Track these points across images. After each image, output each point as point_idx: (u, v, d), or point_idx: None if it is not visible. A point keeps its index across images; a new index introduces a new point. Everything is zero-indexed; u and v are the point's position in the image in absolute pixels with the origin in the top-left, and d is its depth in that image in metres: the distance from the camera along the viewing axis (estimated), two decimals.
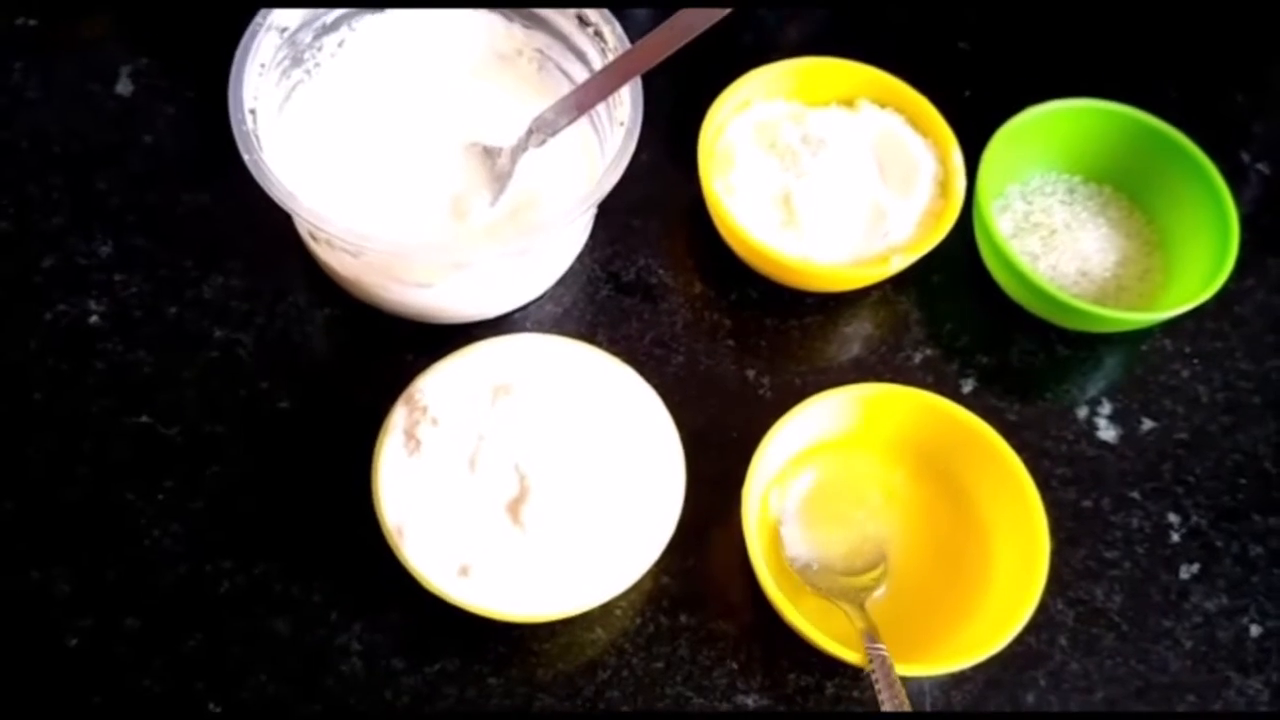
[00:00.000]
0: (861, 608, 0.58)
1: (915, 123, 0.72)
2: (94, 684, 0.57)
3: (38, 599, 0.58)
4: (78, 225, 0.69)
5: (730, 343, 0.69)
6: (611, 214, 0.70)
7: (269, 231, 0.68)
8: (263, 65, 0.62)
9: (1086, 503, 0.66)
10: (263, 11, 0.62)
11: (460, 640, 0.59)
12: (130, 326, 0.66)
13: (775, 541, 0.61)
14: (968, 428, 0.62)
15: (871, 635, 0.56)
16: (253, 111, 0.60)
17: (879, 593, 0.60)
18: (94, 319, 0.66)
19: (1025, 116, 0.71)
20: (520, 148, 0.67)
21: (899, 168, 0.70)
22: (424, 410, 0.58)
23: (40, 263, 0.67)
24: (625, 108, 0.63)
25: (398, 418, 0.58)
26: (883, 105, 0.72)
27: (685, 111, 0.70)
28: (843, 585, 0.60)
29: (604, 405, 0.60)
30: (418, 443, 0.57)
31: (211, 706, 0.56)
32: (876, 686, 0.54)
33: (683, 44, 0.62)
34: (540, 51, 0.71)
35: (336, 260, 0.63)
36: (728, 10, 0.61)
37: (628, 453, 0.59)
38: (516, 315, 0.69)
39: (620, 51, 0.65)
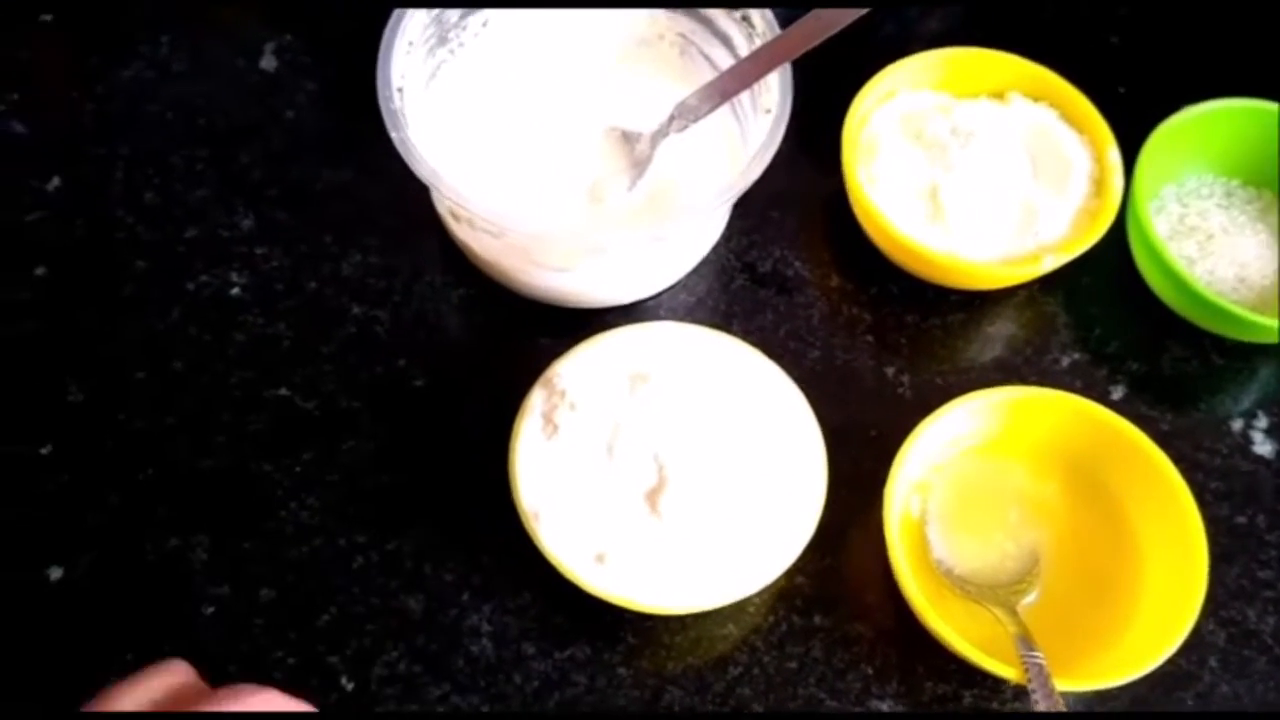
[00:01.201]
0: (1014, 612, 0.56)
1: (1069, 118, 0.69)
2: (229, 653, 0.57)
3: (177, 566, 0.59)
4: (221, 198, 0.69)
5: (869, 338, 0.67)
6: (748, 203, 0.69)
7: (407, 210, 0.68)
8: (410, 43, 0.62)
9: (1240, 519, 0.63)
10: None
11: (591, 628, 0.58)
12: (271, 299, 0.66)
13: (917, 544, 0.60)
14: (1121, 435, 0.60)
15: (1026, 642, 0.54)
16: (400, 89, 0.60)
17: (1030, 599, 0.58)
18: (235, 290, 0.66)
19: (1184, 116, 0.68)
20: (661, 133, 0.66)
21: (1052, 164, 0.68)
22: (562, 395, 0.57)
23: (184, 234, 0.68)
24: (773, 94, 0.62)
25: (535, 401, 0.57)
26: (1035, 99, 0.70)
27: (822, 101, 0.68)
28: (996, 590, 0.58)
29: (744, 397, 0.59)
30: (555, 427, 0.56)
31: (343, 681, 0.56)
32: (1034, 696, 0.52)
33: (837, 30, 0.60)
34: (683, 36, 0.70)
35: (476, 241, 0.63)
36: None
37: (768, 447, 0.57)
38: (650, 303, 0.68)
39: (769, 37, 0.63)
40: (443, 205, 0.64)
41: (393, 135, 0.58)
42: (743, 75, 0.63)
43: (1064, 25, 0.81)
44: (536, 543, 0.55)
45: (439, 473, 0.62)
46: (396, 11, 0.62)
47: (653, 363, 0.59)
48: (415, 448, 0.62)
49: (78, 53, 0.74)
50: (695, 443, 0.57)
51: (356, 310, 0.66)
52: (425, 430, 0.63)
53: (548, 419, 0.57)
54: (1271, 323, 0.63)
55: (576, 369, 0.58)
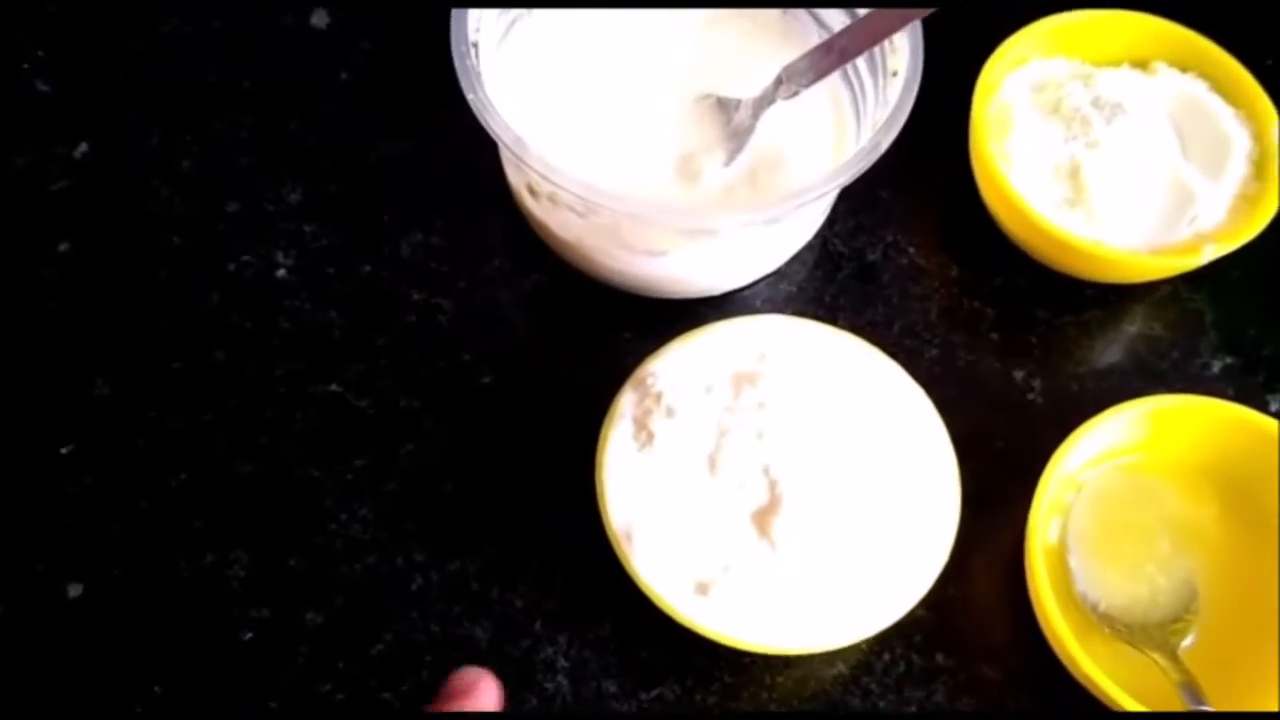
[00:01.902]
0: (1176, 658, 0.49)
1: (1223, 90, 0.61)
2: (269, 685, 0.50)
3: (212, 584, 0.52)
4: (266, 169, 0.62)
5: (994, 336, 0.60)
6: (856, 183, 0.61)
7: (475, 184, 0.61)
8: None
9: None
10: None
11: (682, 665, 0.51)
12: (321, 284, 0.59)
13: (1058, 576, 0.52)
14: None
15: (1194, 693, 0.47)
16: (475, 45, 0.53)
17: (1188, 641, 0.51)
18: (281, 272, 0.59)
19: None
20: (766, 100, 0.58)
21: (1206, 143, 0.60)
22: (657, 398, 0.49)
23: (224, 208, 0.61)
24: (902, 56, 0.54)
25: (626, 405, 0.50)
26: (1184, 69, 0.62)
27: (943, 67, 0.60)
28: (1150, 630, 0.50)
29: (865, 404, 0.51)
30: (650, 435, 0.49)
31: None
32: None
33: None
34: None
35: (557, 220, 0.56)
36: None
37: (893, 462, 0.50)
38: (746, 292, 0.60)
39: None
40: (520, 179, 0.57)
41: (469, 96, 0.51)
42: (867, 33, 0.56)
43: None
44: (627, 567, 0.47)
45: (510, 483, 0.54)
46: None
47: (759, 362, 0.51)
48: (483, 454, 0.55)
49: (109, 5, 0.67)
50: (811, 456, 0.49)
51: (417, 297, 0.59)
52: (494, 434, 0.56)
53: (641, 425, 0.49)
54: None
55: (673, 369, 0.51)
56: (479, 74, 0.52)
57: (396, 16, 0.67)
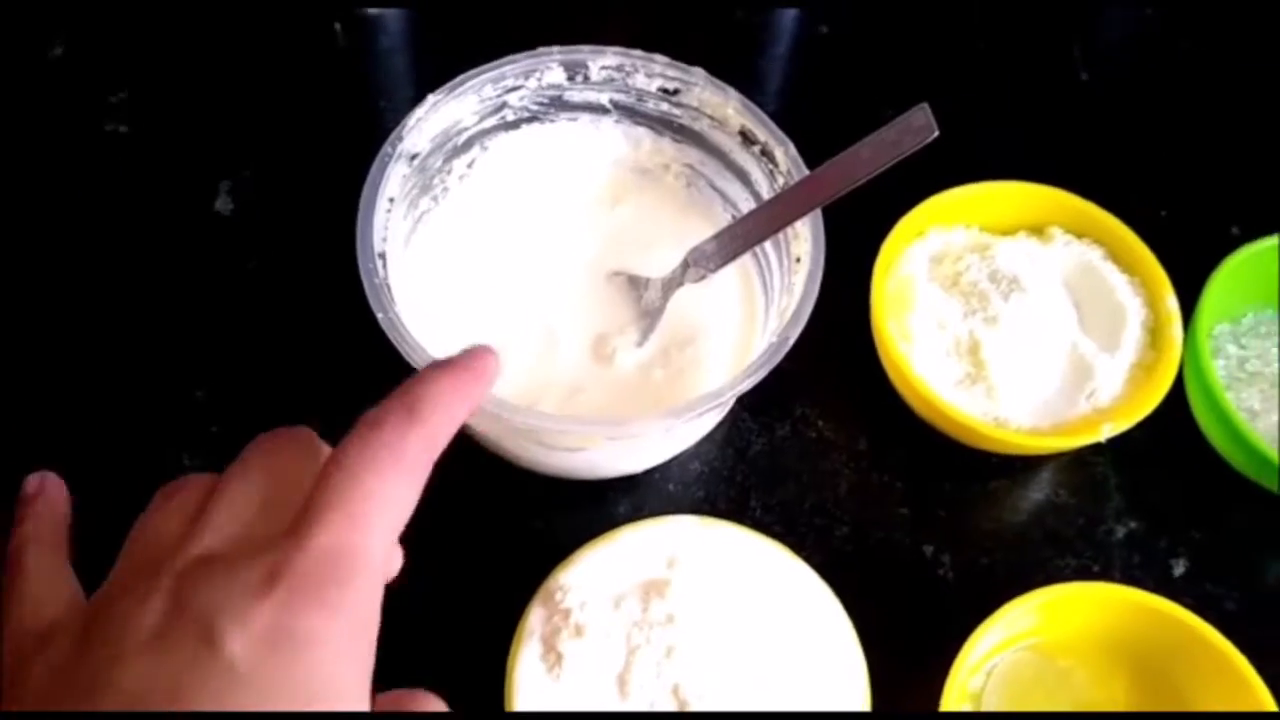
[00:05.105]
0: None
1: (1117, 257, 0.63)
2: None
3: None
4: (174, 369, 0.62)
5: (904, 510, 0.60)
6: None
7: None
8: (391, 200, 0.55)
9: None
10: (391, 139, 0.55)
11: None
12: None
13: None
14: (1187, 630, 0.52)
15: None
16: (382, 255, 0.53)
17: None
18: (187, 459, 0.59)
19: (1251, 251, 0.62)
20: (674, 282, 0.59)
21: (1101, 312, 0.61)
22: (566, 615, 0.49)
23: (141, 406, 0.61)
24: (805, 243, 0.55)
25: (535, 622, 0.50)
26: (1078, 234, 0.63)
27: (846, 239, 0.62)
28: None
29: (772, 607, 0.51)
30: (559, 656, 0.49)
31: None
32: None
33: (882, 170, 0.53)
34: (691, 167, 0.63)
35: (475, 421, 0.56)
36: (935, 133, 0.53)
37: (800, 666, 0.50)
38: (656, 474, 0.60)
39: (795, 176, 0.57)
40: None
41: (378, 316, 0.50)
42: (769, 220, 0.56)
43: (1103, 148, 0.75)
44: None
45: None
46: (375, 167, 0.54)
47: (668, 569, 0.52)
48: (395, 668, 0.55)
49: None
50: (719, 670, 0.49)
51: None
52: (407, 646, 0.55)
53: (550, 646, 0.49)
54: None
55: (581, 580, 0.51)
56: (388, 287, 0.52)
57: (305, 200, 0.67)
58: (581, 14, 0.76)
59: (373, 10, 0.78)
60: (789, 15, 0.81)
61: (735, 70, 0.60)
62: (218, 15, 0.76)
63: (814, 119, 0.61)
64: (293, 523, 0.30)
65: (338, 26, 0.78)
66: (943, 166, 0.65)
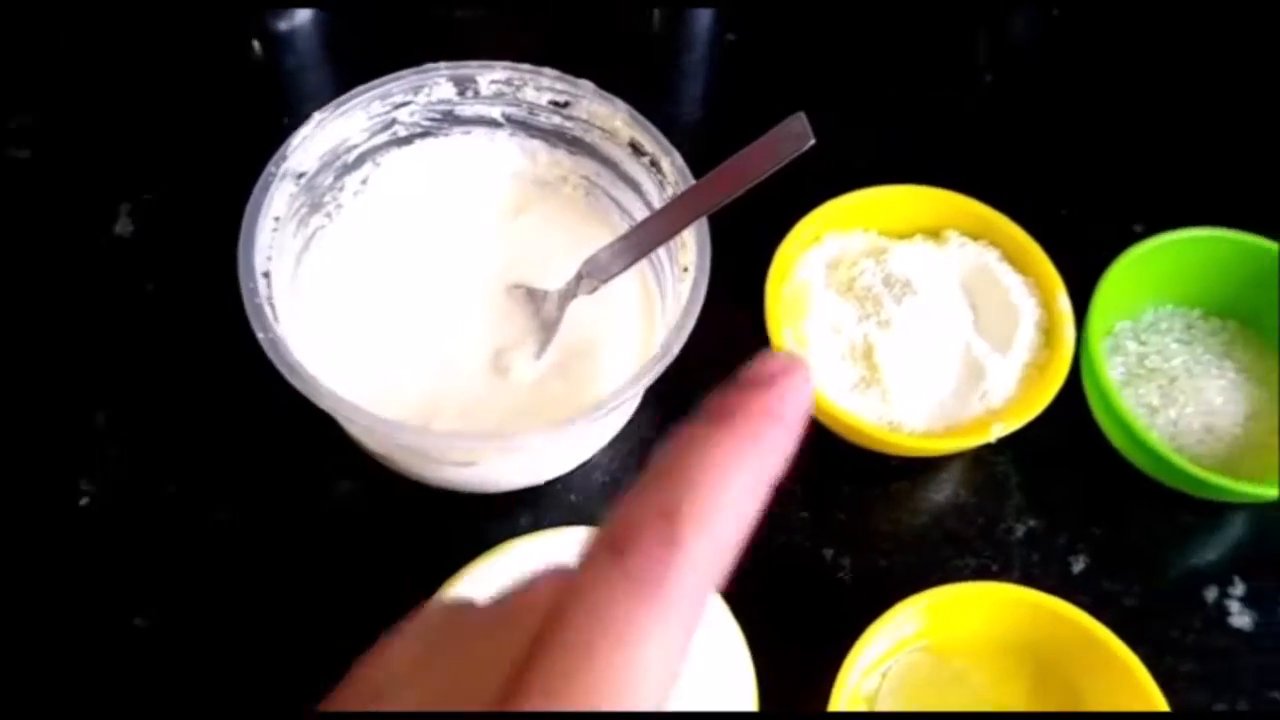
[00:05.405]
0: None
1: (1012, 258, 0.63)
2: None
3: None
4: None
5: (804, 514, 0.61)
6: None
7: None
8: (277, 219, 0.55)
9: (1220, 706, 0.57)
10: (275, 159, 0.55)
11: None
12: (125, 511, 0.58)
13: None
14: (1082, 630, 0.53)
15: None
16: (266, 275, 0.53)
17: None
18: (84, 500, 0.58)
19: (1145, 248, 0.63)
20: (569, 294, 0.59)
21: (996, 313, 0.62)
22: None
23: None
24: (691, 252, 0.55)
25: None
26: (974, 237, 0.64)
27: (746, 246, 0.62)
28: None
29: None
30: None
31: None
32: None
33: (761, 179, 0.54)
34: (588, 179, 0.64)
35: (367, 437, 0.56)
36: (811, 141, 0.53)
37: (690, 675, 0.50)
38: (558, 485, 0.61)
39: (681, 185, 0.57)
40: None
41: (259, 336, 0.50)
42: (656, 231, 0.57)
43: (1001, 150, 0.76)
44: None
45: None
46: (259, 186, 0.54)
47: None
48: (291, 684, 0.55)
49: None
50: None
51: (221, 516, 0.58)
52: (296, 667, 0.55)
53: None
54: (1238, 486, 0.57)
55: (469, 594, 0.50)
56: (272, 306, 0.52)
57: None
58: (486, 29, 0.77)
59: (283, 26, 0.78)
60: (702, 25, 0.81)
61: (648, 81, 0.61)
62: (118, 37, 0.76)
63: (725, 126, 0.61)
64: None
65: (255, 44, 0.78)
66: (845, 171, 0.66)
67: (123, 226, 0.67)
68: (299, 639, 0.55)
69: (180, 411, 0.61)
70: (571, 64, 0.61)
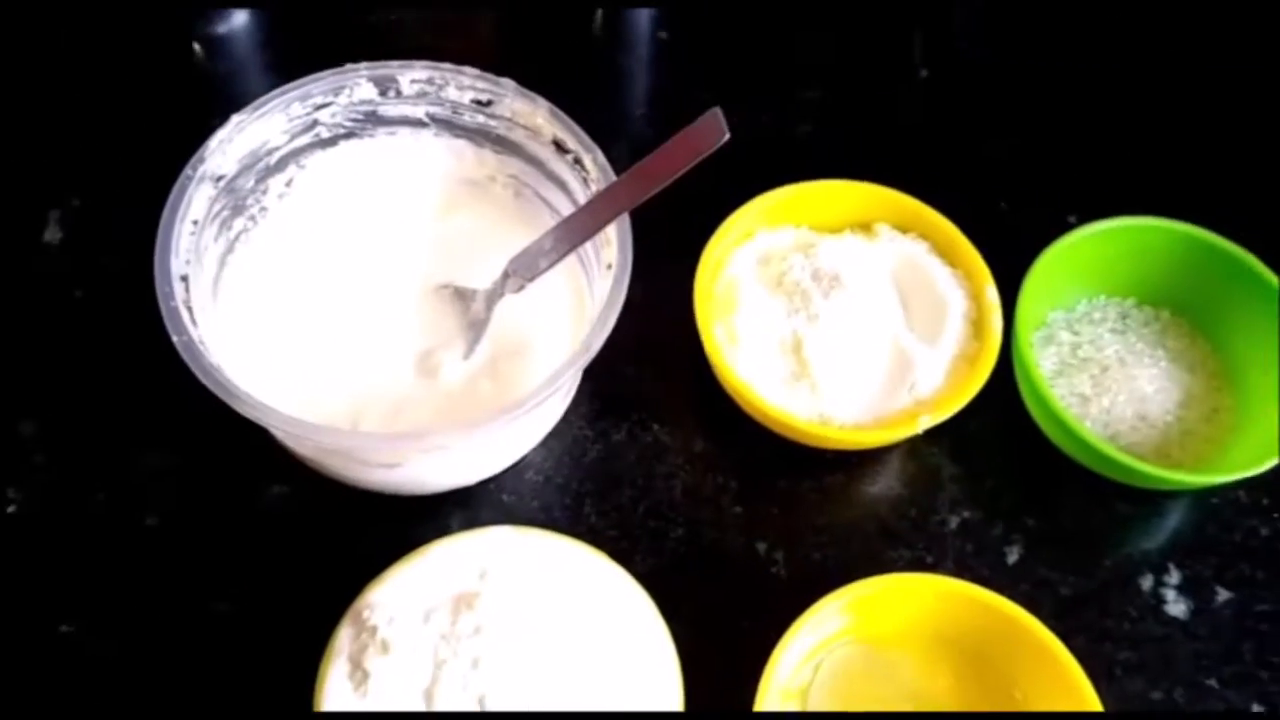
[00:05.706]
0: None
1: (942, 251, 0.63)
2: None
3: None
4: None
5: (738, 509, 0.60)
6: (599, 362, 0.62)
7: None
8: (195, 222, 0.55)
9: (1156, 694, 0.57)
10: (192, 162, 0.55)
11: None
12: (51, 519, 0.58)
13: None
14: (1013, 622, 0.53)
15: None
16: (184, 278, 0.53)
17: None
18: (12, 508, 0.58)
19: (1072, 238, 0.63)
20: (496, 293, 0.59)
21: (925, 305, 0.62)
22: (373, 632, 0.49)
23: None
24: (612, 249, 0.55)
25: (343, 641, 0.50)
26: (904, 231, 0.64)
27: (683, 241, 0.62)
28: None
29: (584, 616, 0.51)
30: (365, 674, 0.48)
31: None
32: None
33: (679, 175, 0.54)
34: (515, 178, 0.63)
35: (294, 441, 0.55)
36: (726, 136, 0.53)
37: (612, 674, 0.50)
38: (491, 485, 0.60)
39: (603, 182, 0.57)
40: None
41: (175, 339, 0.50)
42: (579, 228, 0.57)
43: (936, 141, 0.76)
44: None
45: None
46: (175, 190, 0.54)
47: (480, 581, 0.51)
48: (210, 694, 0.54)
49: None
50: (526, 679, 0.49)
51: (150, 522, 0.58)
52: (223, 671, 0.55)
53: (356, 664, 0.49)
54: (1171, 475, 0.57)
55: (392, 596, 0.50)
56: (190, 309, 0.52)
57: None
58: (432, 32, 0.77)
59: (220, 29, 0.77)
60: (642, 25, 0.81)
61: (589, 81, 0.60)
62: (53, 42, 0.75)
63: (666, 124, 0.61)
64: None
65: (196, 46, 0.77)
66: (778, 167, 0.66)
67: (51, 234, 0.66)
68: (227, 645, 0.55)
69: (108, 418, 0.61)
70: (514, 67, 0.61)
